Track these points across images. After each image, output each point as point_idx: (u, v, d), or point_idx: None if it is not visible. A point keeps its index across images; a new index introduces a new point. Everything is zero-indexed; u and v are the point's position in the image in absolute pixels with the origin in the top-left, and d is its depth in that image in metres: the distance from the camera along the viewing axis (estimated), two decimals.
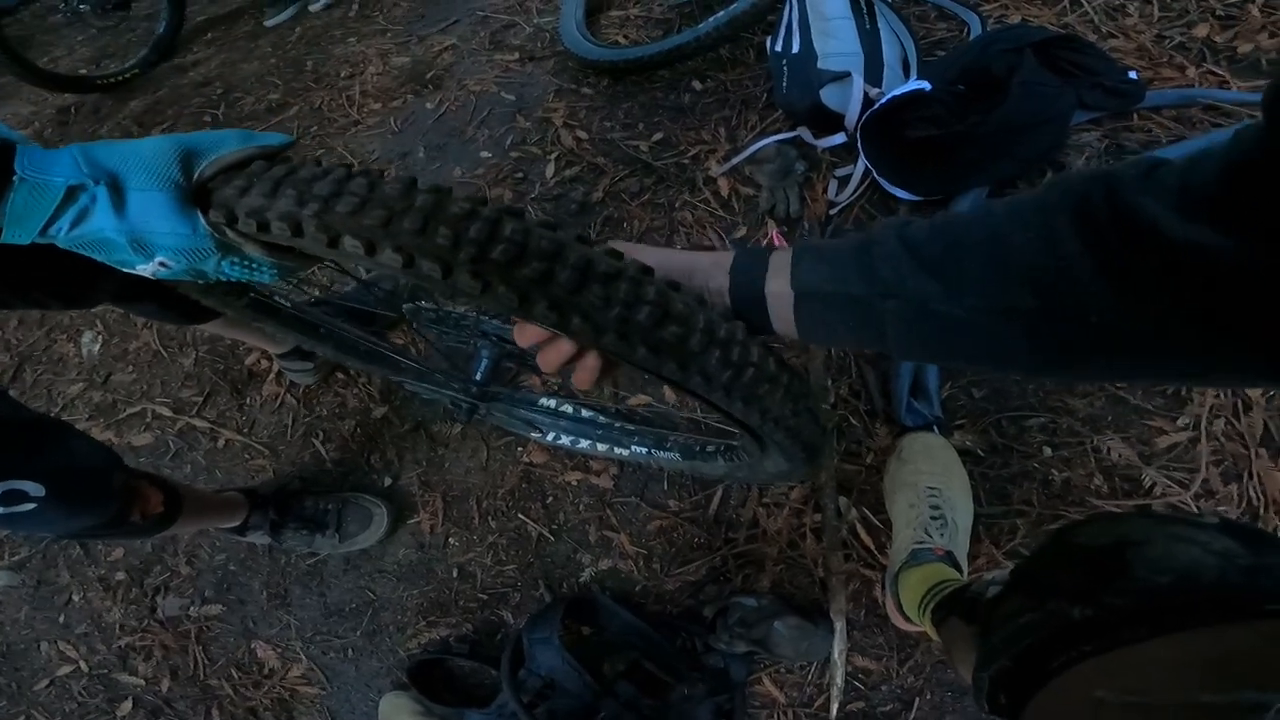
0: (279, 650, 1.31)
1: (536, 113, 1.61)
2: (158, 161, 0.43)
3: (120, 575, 1.42)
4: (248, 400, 1.46)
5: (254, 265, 0.48)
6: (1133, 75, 1.27)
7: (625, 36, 1.68)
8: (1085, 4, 1.45)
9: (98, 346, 1.62)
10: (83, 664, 1.40)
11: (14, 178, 0.43)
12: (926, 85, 1.25)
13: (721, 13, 1.44)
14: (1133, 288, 0.38)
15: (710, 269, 0.52)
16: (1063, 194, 0.41)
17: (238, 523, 1.25)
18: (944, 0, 1.52)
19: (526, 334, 0.49)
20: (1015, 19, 1.47)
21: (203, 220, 0.44)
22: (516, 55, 1.75)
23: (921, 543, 0.96)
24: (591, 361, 0.49)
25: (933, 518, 0.98)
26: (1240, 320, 0.36)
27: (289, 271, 0.49)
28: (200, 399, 1.49)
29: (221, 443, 1.44)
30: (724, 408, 0.49)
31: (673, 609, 1.14)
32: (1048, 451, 1.05)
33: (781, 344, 1.24)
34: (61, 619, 1.43)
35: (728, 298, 0.51)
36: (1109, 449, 1.02)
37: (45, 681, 1.40)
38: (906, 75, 1.42)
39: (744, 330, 0.47)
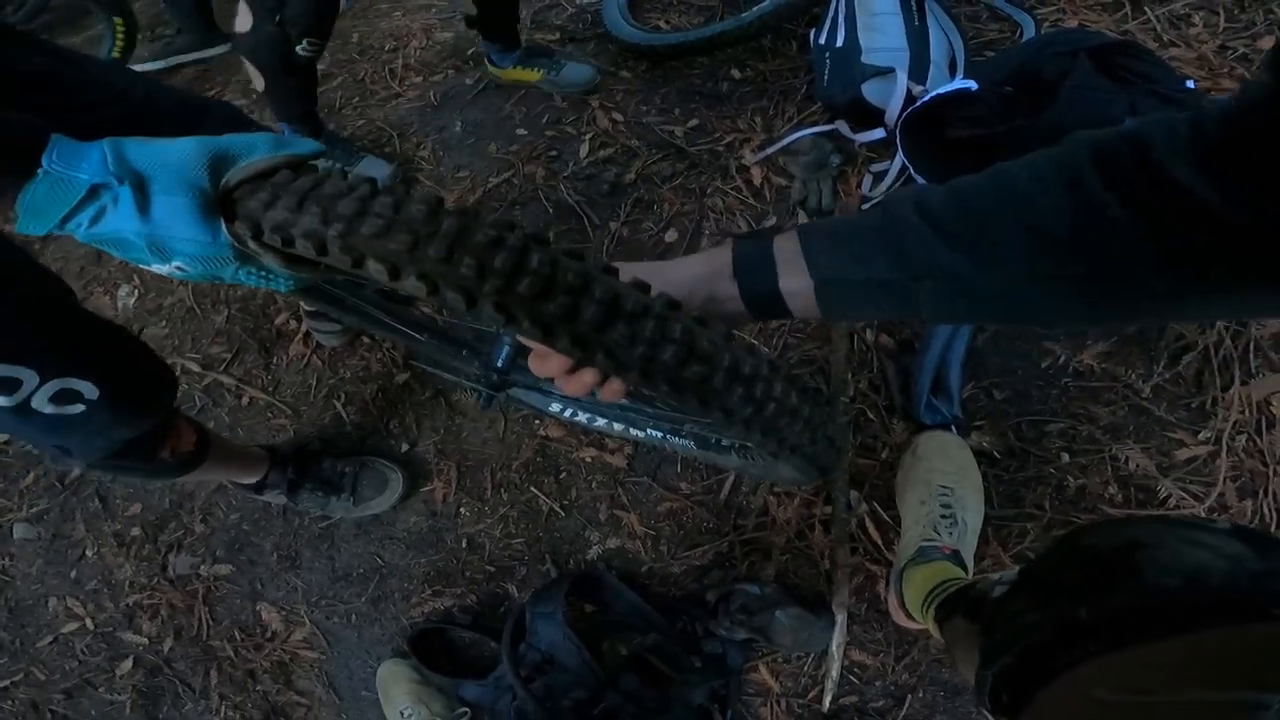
0: (283, 613, 1.38)
1: (574, 93, 1.70)
2: (186, 165, 0.45)
3: (135, 531, 1.49)
4: (274, 360, 1.55)
5: (270, 275, 0.50)
6: (1190, 84, 1.30)
7: (666, 22, 1.76)
8: (1148, 11, 1.48)
9: (133, 300, 1.73)
10: (89, 621, 1.45)
11: (39, 170, 0.45)
12: (973, 85, 1.28)
13: (767, 2, 1.50)
14: (1168, 236, 0.40)
15: (712, 276, 0.53)
16: (1089, 156, 0.43)
17: (258, 478, 1.32)
18: (997, 1, 1.56)
19: (545, 367, 0.51)
20: (1072, 23, 1.50)
21: (224, 230, 0.45)
22: (557, 35, 1.83)
23: (929, 540, 1.01)
24: (618, 385, 0.50)
25: (943, 516, 1.02)
26: (1264, 263, 0.38)
27: (304, 282, 0.51)
28: (229, 356, 1.58)
29: (246, 400, 1.54)
30: (742, 438, 0.51)
31: (676, 592, 1.20)
32: (1065, 457, 1.09)
33: (803, 332, 1.30)
34: (73, 574, 1.49)
35: (740, 304, 0.53)
36: (1127, 458, 1.06)
37: (49, 638, 1.46)
38: (952, 74, 1.46)
39: (769, 365, 0.48)
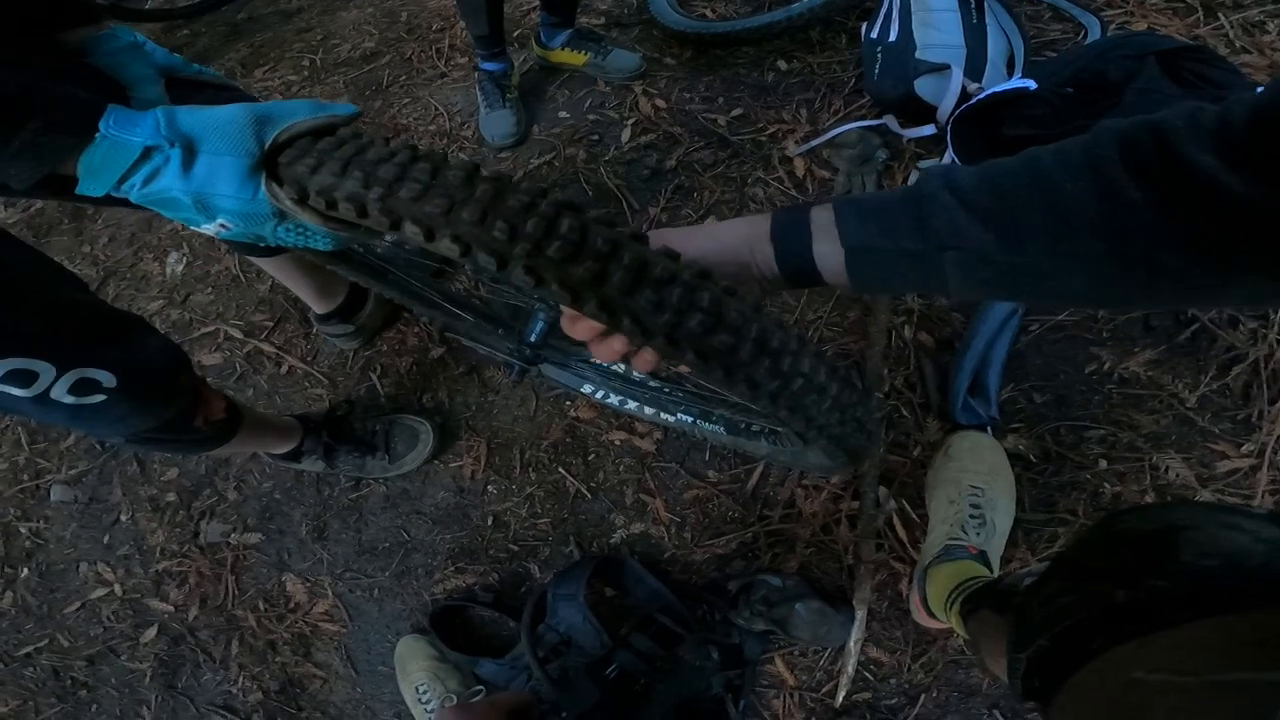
0: (308, 585, 1.43)
1: (618, 80, 1.76)
2: (233, 128, 0.50)
3: (171, 496, 1.55)
4: (314, 330, 1.62)
5: (309, 233, 0.54)
6: (1260, 91, 1.31)
7: (713, 10, 1.81)
8: (1221, 17, 1.49)
9: (181, 267, 1.84)
10: (117, 587, 1.51)
11: (97, 134, 0.51)
12: (1032, 84, 1.30)
13: None
14: (1189, 227, 0.43)
15: (753, 240, 0.57)
16: (1114, 142, 0.46)
17: (292, 446, 1.38)
18: (1062, 2, 1.58)
19: (578, 328, 0.53)
20: (1140, 26, 1.51)
21: (263, 187, 0.50)
22: (603, 20, 1.90)
23: (956, 539, 1.04)
24: (649, 354, 0.52)
25: (971, 516, 1.05)
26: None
27: (344, 242, 0.55)
28: (271, 324, 1.67)
29: (285, 369, 1.62)
30: (768, 414, 0.53)
31: (698, 580, 1.25)
32: (1103, 464, 1.11)
33: (840, 326, 1.34)
34: (106, 539, 1.55)
35: (775, 265, 0.56)
36: (1167, 467, 1.08)
37: (76, 604, 1.52)
38: (1011, 73, 1.48)
39: (798, 340, 0.49)
